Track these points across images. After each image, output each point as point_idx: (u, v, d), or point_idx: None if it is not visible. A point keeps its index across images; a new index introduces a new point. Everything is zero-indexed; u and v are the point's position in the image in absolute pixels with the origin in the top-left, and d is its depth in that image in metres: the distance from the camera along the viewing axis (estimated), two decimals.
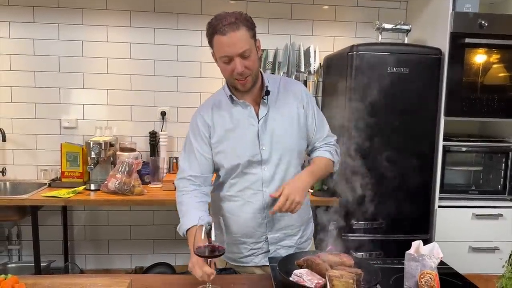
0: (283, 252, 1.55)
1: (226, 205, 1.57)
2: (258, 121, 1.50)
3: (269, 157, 1.50)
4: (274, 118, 1.51)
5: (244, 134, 1.50)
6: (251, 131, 1.50)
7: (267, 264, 1.51)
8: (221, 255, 1.25)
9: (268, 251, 1.57)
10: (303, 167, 1.62)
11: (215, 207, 1.64)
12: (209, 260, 1.23)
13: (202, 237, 1.23)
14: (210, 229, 1.25)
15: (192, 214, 1.40)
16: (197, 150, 1.53)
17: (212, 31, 1.38)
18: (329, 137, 1.66)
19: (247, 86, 1.46)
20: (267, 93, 1.50)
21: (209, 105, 1.56)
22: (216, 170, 1.59)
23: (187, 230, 1.39)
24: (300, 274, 1.20)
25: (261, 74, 1.55)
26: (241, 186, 1.53)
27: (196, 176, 1.53)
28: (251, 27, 1.40)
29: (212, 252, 1.23)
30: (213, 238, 1.24)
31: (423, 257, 1.16)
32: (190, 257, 1.29)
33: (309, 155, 1.68)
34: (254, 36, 1.42)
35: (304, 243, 1.64)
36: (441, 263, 1.35)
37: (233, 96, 1.51)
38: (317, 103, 1.81)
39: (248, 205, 1.53)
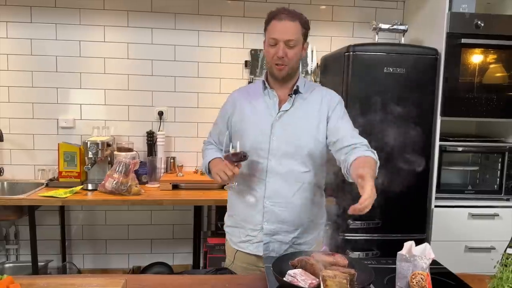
0: (276, 247, 1.59)
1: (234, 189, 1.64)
2: (278, 113, 1.57)
3: (276, 149, 1.55)
4: (294, 115, 1.58)
5: (260, 121, 1.59)
6: (267, 120, 1.58)
7: (260, 254, 1.58)
8: (246, 158, 1.49)
9: (262, 241, 1.59)
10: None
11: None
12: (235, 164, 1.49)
13: (231, 146, 1.52)
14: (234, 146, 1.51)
15: (214, 153, 1.69)
16: (217, 125, 1.76)
17: (272, 16, 1.55)
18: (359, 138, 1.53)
19: (283, 73, 1.56)
20: (295, 92, 1.58)
21: (245, 88, 1.77)
22: None
23: (209, 163, 1.65)
24: (294, 274, 1.21)
25: (299, 75, 1.63)
26: (248, 173, 1.60)
27: (213, 142, 1.79)
28: (305, 26, 1.55)
29: (238, 157, 1.49)
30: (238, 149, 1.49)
31: (414, 257, 1.17)
32: (213, 172, 1.56)
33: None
34: (305, 36, 1.56)
35: (301, 245, 1.62)
36: (436, 263, 1.36)
37: (265, 83, 1.62)
38: None
39: (251, 192, 1.60)
